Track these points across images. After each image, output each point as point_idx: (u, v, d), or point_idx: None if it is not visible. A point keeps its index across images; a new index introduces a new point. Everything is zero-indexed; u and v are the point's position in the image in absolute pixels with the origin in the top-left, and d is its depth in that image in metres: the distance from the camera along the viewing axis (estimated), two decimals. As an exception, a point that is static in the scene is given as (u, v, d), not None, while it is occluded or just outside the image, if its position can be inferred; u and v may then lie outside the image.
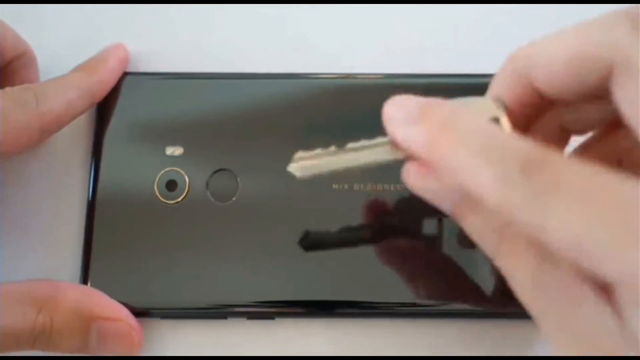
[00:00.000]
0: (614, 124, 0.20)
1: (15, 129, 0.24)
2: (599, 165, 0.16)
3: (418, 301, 0.25)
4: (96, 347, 0.24)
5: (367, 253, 0.25)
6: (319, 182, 0.26)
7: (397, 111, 0.19)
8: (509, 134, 0.18)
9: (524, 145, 0.16)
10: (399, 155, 0.21)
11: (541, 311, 0.17)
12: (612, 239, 0.15)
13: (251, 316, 0.25)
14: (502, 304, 0.25)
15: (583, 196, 0.15)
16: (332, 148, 0.21)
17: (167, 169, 0.26)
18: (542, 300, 0.17)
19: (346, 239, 0.26)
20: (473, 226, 0.20)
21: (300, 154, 0.22)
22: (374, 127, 0.27)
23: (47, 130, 0.25)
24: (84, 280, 0.25)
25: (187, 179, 0.26)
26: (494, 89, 0.21)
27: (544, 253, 0.17)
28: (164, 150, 0.27)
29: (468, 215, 0.20)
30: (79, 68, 0.27)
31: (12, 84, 0.25)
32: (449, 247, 0.25)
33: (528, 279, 0.18)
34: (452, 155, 0.17)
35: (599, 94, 0.18)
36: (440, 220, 0.26)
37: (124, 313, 0.24)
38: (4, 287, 0.23)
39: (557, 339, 0.17)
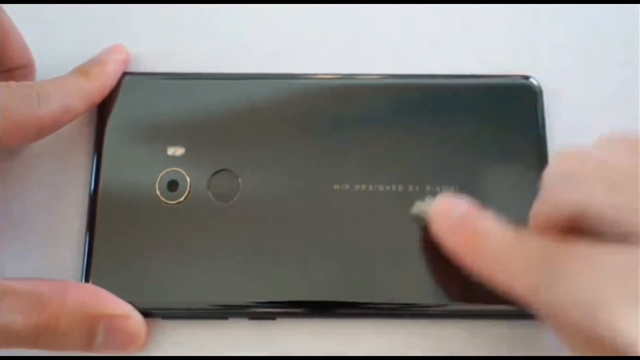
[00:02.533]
0: None
1: (15, 124, 0.24)
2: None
3: (418, 301, 0.25)
4: (101, 345, 0.24)
5: (367, 253, 0.25)
6: (320, 182, 0.26)
7: (442, 215, 0.24)
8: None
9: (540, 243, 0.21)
10: None
11: None
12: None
13: (252, 316, 0.25)
14: (502, 304, 0.25)
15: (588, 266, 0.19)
16: None
17: (168, 169, 0.26)
18: None
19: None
20: None
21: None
22: (374, 128, 0.27)
23: (44, 130, 0.25)
24: (86, 280, 0.25)
25: (188, 179, 0.26)
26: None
27: None
28: (165, 151, 0.27)
29: None
30: (80, 71, 0.27)
31: None
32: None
33: None
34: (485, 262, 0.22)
35: None
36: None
37: (131, 310, 0.24)
38: (8, 284, 0.23)
39: None
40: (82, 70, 0.27)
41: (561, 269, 0.19)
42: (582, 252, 0.19)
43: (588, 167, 0.20)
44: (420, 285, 0.25)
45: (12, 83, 0.24)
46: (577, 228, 0.21)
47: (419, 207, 0.26)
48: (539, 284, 0.20)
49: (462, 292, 0.25)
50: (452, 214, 0.23)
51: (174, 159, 0.27)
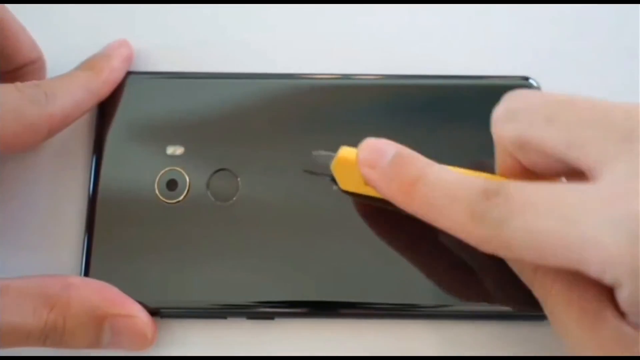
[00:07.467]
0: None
1: (28, 125, 0.24)
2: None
3: (418, 302, 0.25)
4: (109, 343, 0.24)
5: (367, 253, 0.25)
6: (320, 182, 0.26)
7: (371, 156, 0.23)
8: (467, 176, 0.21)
9: (479, 181, 0.20)
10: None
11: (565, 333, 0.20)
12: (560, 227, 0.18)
13: (251, 316, 0.25)
14: (502, 304, 0.25)
15: (533, 206, 0.19)
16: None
17: (167, 169, 0.27)
18: (566, 324, 0.20)
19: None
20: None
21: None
22: (373, 128, 0.27)
23: (54, 129, 0.25)
24: (84, 279, 0.25)
25: (187, 179, 0.26)
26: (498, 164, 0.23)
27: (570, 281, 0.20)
28: (164, 150, 0.27)
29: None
30: (85, 66, 0.27)
31: None
32: (449, 247, 0.25)
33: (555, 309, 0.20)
34: (424, 207, 0.21)
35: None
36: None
37: (137, 309, 0.24)
38: (15, 283, 0.23)
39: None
40: (88, 65, 0.27)
41: (505, 216, 0.19)
42: (520, 191, 0.19)
43: (528, 103, 0.21)
44: (421, 286, 0.25)
45: (19, 84, 0.24)
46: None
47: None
48: (486, 234, 0.20)
49: (462, 292, 0.25)
50: (382, 160, 0.23)
51: (174, 158, 0.27)
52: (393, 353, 0.25)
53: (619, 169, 0.18)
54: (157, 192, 0.26)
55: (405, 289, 0.25)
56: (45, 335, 0.22)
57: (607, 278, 0.17)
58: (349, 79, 0.28)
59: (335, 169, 0.25)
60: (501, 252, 0.20)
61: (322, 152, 0.25)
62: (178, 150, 0.27)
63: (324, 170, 0.25)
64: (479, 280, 0.25)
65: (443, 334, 0.25)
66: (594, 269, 0.18)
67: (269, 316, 0.25)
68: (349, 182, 0.25)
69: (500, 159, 0.23)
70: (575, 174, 0.20)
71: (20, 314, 0.22)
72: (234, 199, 0.26)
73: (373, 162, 0.23)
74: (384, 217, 0.26)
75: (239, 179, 0.26)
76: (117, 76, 0.27)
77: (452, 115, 0.27)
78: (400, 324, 0.26)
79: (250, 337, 0.25)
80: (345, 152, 0.24)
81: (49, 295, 0.23)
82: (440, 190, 0.21)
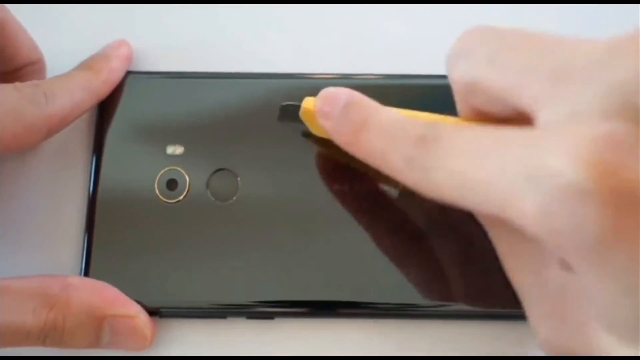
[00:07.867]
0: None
1: (28, 126, 0.24)
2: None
3: (418, 301, 0.25)
4: (108, 343, 0.24)
5: (367, 253, 0.25)
6: (320, 182, 0.26)
7: (325, 108, 0.23)
8: (406, 120, 0.21)
9: (417, 126, 0.19)
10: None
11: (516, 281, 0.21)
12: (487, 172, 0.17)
13: (250, 316, 0.25)
14: (502, 304, 0.25)
15: (457, 150, 0.18)
16: None
17: (167, 168, 0.27)
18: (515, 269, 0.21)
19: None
20: None
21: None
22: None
23: (54, 130, 0.25)
24: (84, 278, 0.25)
25: (187, 178, 0.26)
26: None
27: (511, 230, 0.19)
28: (164, 150, 0.27)
29: None
30: (84, 66, 0.27)
31: None
32: (449, 247, 0.25)
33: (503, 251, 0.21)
34: (369, 152, 0.21)
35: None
36: (440, 221, 0.26)
37: (136, 309, 0.24)
38: (15, 283, 0.23)
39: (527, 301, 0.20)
40: (87, 65, 0.27)
41: (432, 161, 0.18)
42: (452, 135, 0.18)
43: (474, 40, 0.19)
44: (421, 286, 0.25)
45: (18, 84, 0.24)
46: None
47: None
48: (418, 178, 0.19)
49: (462, 292, 0.25)
50: (335, 109, 0.22)
51: (173, 158, 0.27)
52: (393, 353, 0.25)
53: (545, 117, 0.17)
54: (157, 191, 0.26)
55: (405, 289, 0.25)
56: (44, 335, 0.22)
57: (528, 233, 0.16)
58: (349, 79, 0.28)
59: (303, 118, 0.25)
60: (434, 197, 0.19)
61: (290, 103, 0.25)
62: (178, 150, 0.27)
63: (295, 119, 0.25)
64: (479, 281, 0.25)
65: (443, 333, 0.26)
66: (516, 222, 0.16)
67: (269, 316, 0.25)
68: (317, 129, 0.24)
69: (457, 103, 0.21)
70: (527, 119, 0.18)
71: (20, 313, 0.22)
72: (234, 198, 0.26)
73: (327, 113, 0.22)
74: (385, 217, 0.26)
75: (239, 178, 0.26)
76: (117, 76, 0.27)
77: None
78: (400, 324, 0.26)
79: (250, 337, 0.26)
80: (308, 103, 0.24)
81: (48, 295, 0.23)
82: (381, 136, 0.20)
